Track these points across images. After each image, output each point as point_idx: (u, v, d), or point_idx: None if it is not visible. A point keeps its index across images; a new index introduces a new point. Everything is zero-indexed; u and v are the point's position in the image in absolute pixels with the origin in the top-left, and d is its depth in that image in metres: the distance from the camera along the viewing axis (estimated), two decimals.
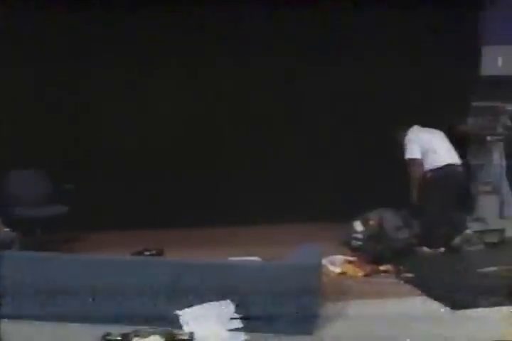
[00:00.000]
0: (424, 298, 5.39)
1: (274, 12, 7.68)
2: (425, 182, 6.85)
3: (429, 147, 6.93)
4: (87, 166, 7.61)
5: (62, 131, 7.62)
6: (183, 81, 7.91)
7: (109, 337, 4.46)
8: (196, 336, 4.48)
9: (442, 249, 6.82)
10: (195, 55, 7.82)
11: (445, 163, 6.89)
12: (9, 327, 4.72)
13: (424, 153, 6.90)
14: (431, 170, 6.87)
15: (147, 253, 6.44)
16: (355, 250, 6.69)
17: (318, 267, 5.01)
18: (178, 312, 4.62)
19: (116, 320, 4.68)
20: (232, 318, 4.57)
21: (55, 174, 7.12)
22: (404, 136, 7.07)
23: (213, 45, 7.81)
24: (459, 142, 7.24)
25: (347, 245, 6.86)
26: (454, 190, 6.85)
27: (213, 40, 7.79)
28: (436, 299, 5.30)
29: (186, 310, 4.63)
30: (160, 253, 6.53)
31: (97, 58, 7.64)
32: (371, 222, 6.77)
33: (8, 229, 6.00)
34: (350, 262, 6.27)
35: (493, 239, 7.19)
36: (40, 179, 7.17)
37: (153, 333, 4.49)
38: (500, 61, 8.13)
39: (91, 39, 7.54)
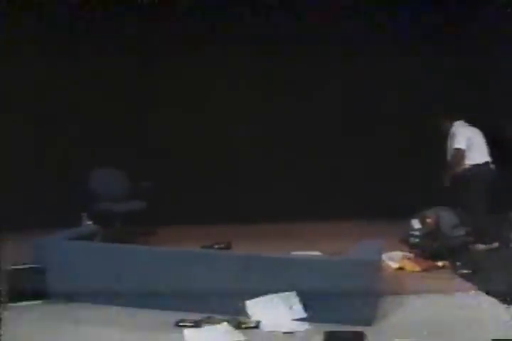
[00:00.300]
0: (480, 293, 5.37)
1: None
2: (463, 176, 6.88)
3: (472, 143, 6.96)
4: (163, 166, 7.80)
5: (141, 134, 7.89)
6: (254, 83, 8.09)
7: (182, 324, 4.67)
8: (262, 324, 4.64)
9: (496, 245, 6.81)
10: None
11: (484, 161, 6.94)
12: (88, 311, 5.01)
13: (467, 147, 6.93)
14: (471, 165, 6.90)
15: (216, 246, 6.57)
16: (412, 247, 6.70)
17: (379, 262, 5.07)
18: (246, 302, 4.77)
19: (189, 308, 4.88)
20: (296, 309, 4.69)
21: (134, 173, 7.31)
22: (449, 127, 7.08)
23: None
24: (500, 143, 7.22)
25: (405, 242, 6.86)
26: (488, 186, 6.85)
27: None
28: (491, 294, 5.27)
29: (253, 300, 4.77)
30: (228, 246, 6.65)
31: (169, 60, 7.86)
32: (428, 220, 6.73)
33: (91, 222, 6.24)
34: (407, 258, 6.32)
35: None
36: (121, 177, 7.35)
37: (223, 321, 4.68)
38: None
39: (167, 41, 7.76)
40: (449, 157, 7.06)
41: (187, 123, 7.99)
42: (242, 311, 4.76)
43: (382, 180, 8.11)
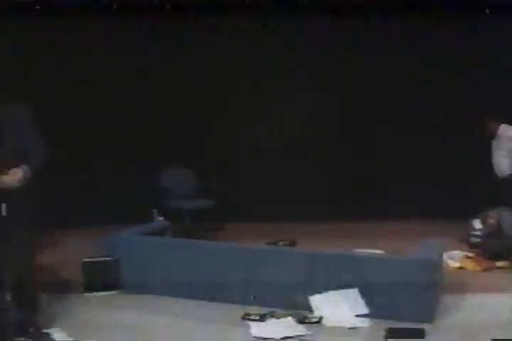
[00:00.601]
0: None
1: None
2: None
3: None
4: (230, 165, 7.92)
5: (209, 136, 8.01)
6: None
7: (248, 317, 4.76)
8: (325, 319, 4.69)
9: None
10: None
11: None
12: (157, 303, 5.16)
13: None
14: None
15: (281, 243, 6.60)
16: (473, 246, 6.67)
17: (440, 261, 5.06)
18: (310, 297, 4.83)
19: (256, 302, 4.99)
20: (358, 305, 4.73)
21: (202, 172, 7.45)
22: (496, 129, 6.99)
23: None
24: None
25: (465, 242, 6.83)
26: None
27: None
28: None
29: (318, 295, 4.82)
30: (292, 243, 6.69)
31: (237, 60, 7.94)
32: (490, 220, 6.67)
33: (162, 219, 6.37)
34: (468, 257, 6.28)
35: None
36: (190, 176, 7.49)
37: (287, 315, 4.76)
38: None
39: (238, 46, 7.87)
40: (494, 159, 6.92)
41: (254, 123, 8.06)
42: (306, 306, 4.81)
43: (443, 179, 8.02)
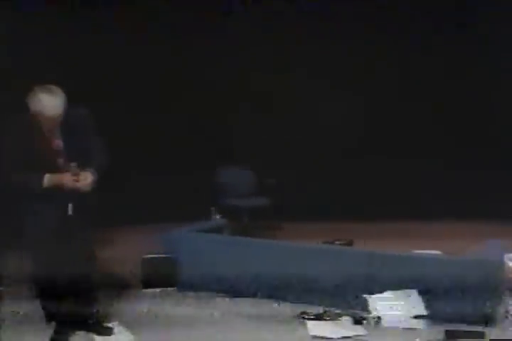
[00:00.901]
0: None
1: None
2: None
3: None
4: (288, 164, 7.87)
5: (267, 134, 7.99)
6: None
7: (304, 316, 4.72)
8: (383, 320, 4.62)
9: None
10: None
11: None
12: (214, 300, 5.18)
13: None
14: None
15: (338, 242, 6.54)
16: None
17: (502, 262, 4.93)
18: (367, 297, 4.76)
19: (311, 301, 4.94)
20: (417, 306, 4.63)
21: (260, 170, 7.44)
22: None
23: None
24: None
25: None
26: None
27: None
28: None
29: (375, 295, 4.76)
30: (350, 243, 6.62)
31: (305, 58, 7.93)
32: None
33: (219, 216, 6.37)
34: None
35: None
36: (248, 174, 7.49)
37: (344, 314, 4.71)
38: None
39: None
40: None
41: (313, 121, 8.02)
42: (364, 306, 4.76)
43: (504, 180, 7.81)
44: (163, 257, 5.48)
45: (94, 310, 4.55)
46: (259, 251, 5.30)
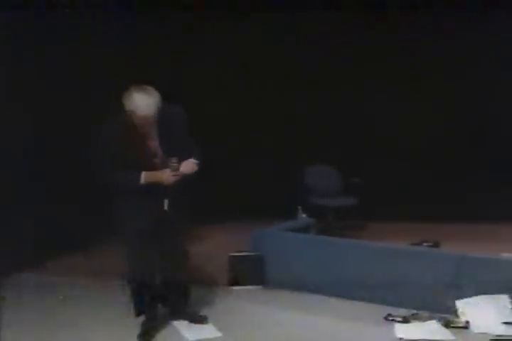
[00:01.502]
0: None
1: None
2: None
3: None
4: (374, 164, 7.75)
5: (355, 134, 7.92)
6: None
7: (391, 318, 4.66)
8: (471, 325, 4.49)
9: None
10: None
11: None
12: (300, 299, 5.16)
13: None
14: None
15: (425, 244, 6.39)
16: None
17: None
18: (457, 301, 4.64)
19: (398, 303, 4.86)
20: (507, 311, 4.50)
21: (346, 169, 7.37)
22: None
23: None
24: None
25: None
26: None
27: None
28: None
29: (464, 300, 4.64)
30: (437, 245, 6.48)
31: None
32: None
33: (305, 215, 6.36)
34: None
35: None
36: (333, 173, 7.43)
37: (431, 318, 4.61)
38: None
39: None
40: None
41: (397, 121, 7.85)
42: (451, 310, 4.64)
43: None
44: (251, 255, 5.52)
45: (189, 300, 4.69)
46: (346, 251, 5.27)
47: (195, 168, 4.27)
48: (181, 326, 4.59)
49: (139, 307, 4.55)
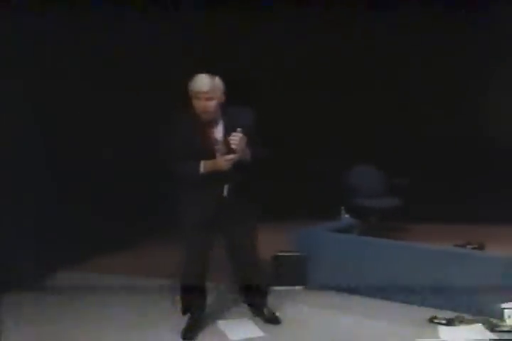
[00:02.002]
0: None
1: None
2: None
3: None
4: (419, 164, 7.71)
5: (399, 134, 7.87)
6: None
7: (435, 320, 4.59)
8: None
9: None
10: None
11: None
12: (342, 300, 5.13)
13: None
14: None
15: (469, 246, 6.32)
16: None
17: None
18: (502, 304, 4.55)
19: (442, 305, 4.79)
20: None
21: (389, 170, 7.31)
22: None
23: None
24: None
25: None
26: None
27: None
28: None
29: (510, 303, 4.54)
30: (481, 247, 6.39)
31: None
32: None
33: (348, 216, 6.30)
34: None
35: None
36: (377, 174, 7.41)
37: (476, 321, 4.53)
38: None
39: None
40: None
41: (443, 121, 7.83)
42: (497, 314, 4.54)
43: None
44: (295, 255, 5.48)
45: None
46: (389, 252, 5.21)
47: (243, 142, 4.22)
48: (224, 325, 4.60)
49: (187, 304, 4.58)
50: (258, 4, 7.04)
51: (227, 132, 4.24)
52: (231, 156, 4.18)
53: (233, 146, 4.16)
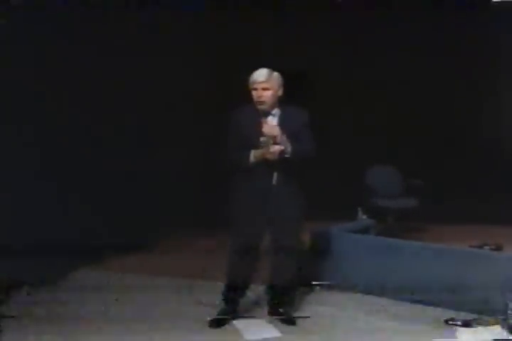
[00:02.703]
0: None
1: None
2: None
3: None
4: (435, 164, 7.74)
5: (418, 134, 7.84)
6: None
7: (452, 322, 4.53)
8: None
9: None
10: None
11: None
12: (360, 301, 5.08)
13: None
14: None
15: (486, 247, 6.28)
16: None
17: None
18: None
19: (458, 306, 4.74)
20: None
21: (407, 170, 7.31)
22: None
23: None
24: None
25: None
26: None
27: None
28: None
29: None
30: (499, 248, 6.33)
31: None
32: None
33: (365, 216, 6.31)
34: None
35: None
36: (395, 175, 7.37)
37: (494, 323, 4.47)
38: None
39: None
40: None
41: (459, 121, 7.80)
42: None
43: None
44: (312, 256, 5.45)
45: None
46: (406, 252, 5.18)
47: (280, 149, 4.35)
48: (240, 324, 4.56)
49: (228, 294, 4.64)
50: None
51: (280, 126, 4.37)
52: (277, 147, 4.30)
53: (272, 134, 4.29)
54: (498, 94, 7.77)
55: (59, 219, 5.87)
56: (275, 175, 4.40)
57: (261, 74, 4.38)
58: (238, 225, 4.52)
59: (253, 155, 4.37)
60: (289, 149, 4.35)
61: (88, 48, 6.50)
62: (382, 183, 7.20)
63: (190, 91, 7.23)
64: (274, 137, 4.30)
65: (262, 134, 4.35)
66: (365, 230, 5.91)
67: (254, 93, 4.39)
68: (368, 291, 5.19)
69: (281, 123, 4.41)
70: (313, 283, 5.37)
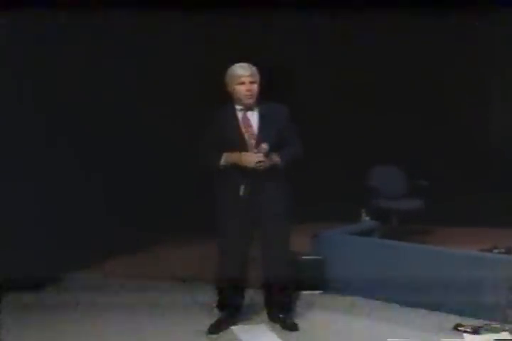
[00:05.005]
0: None
1: None
2: None
3: None
4: (441, 164, 7.60)
5: (423, 135, 7.73)
6: None
7: (460, 328, 4.41)
8: None
9: None
10: None
11: None
12: (362, 306, 4.99)
13: None
14: None
15: (496, 250, 6.13)
16: None
17: None
18: None
19: (466, 312, 4.62)
20: None
21: (412, 171, 7.24)
22: None
23: None
24: None
25: None
26: None
27: None
28: None
29: None
30: (509, 251, 6.17)
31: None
32: None
33: (368, 218, 6.24)
34: None
35: None
36: (399, 175, 7.31)
37: (502, 329, 4.34)
38: None
39: None
40: None
41: (465, 122, 7.70)
42: None
43: None
44: (313, 259, 5.36)
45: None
46: (410, 255, 5.06)
47: (275, 161, 4.30)
48: (239, 330, 4.47)
49: (224, 300, 4.56)
50: None
51: (262, 125, 4.31)
52: (259, 156, 4.21)
53: (260, 159, 4.21)
54: (503, 95, 7.71)
55: (56, 219, 5.81)
56: (242, 186, 4.23)
57: (246, 68, 4.31)
58: (222, 227, 4.42)
59: (225, 158, 4.27)
60: (281, 163, 4.30)
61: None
62: (386, 184, 7.12)
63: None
64: (260, 162, 4.20)
65: (240, 134, 4.30)
66: (368, 232, 5.84)
67: (241, 87, 4.28)
68: (371, 296, 5.08)
69: (263, 120, 4.33)
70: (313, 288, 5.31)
